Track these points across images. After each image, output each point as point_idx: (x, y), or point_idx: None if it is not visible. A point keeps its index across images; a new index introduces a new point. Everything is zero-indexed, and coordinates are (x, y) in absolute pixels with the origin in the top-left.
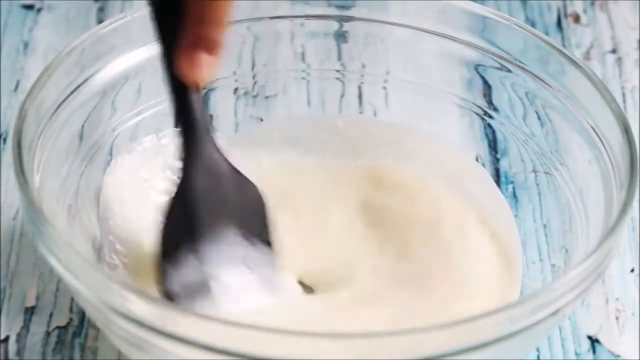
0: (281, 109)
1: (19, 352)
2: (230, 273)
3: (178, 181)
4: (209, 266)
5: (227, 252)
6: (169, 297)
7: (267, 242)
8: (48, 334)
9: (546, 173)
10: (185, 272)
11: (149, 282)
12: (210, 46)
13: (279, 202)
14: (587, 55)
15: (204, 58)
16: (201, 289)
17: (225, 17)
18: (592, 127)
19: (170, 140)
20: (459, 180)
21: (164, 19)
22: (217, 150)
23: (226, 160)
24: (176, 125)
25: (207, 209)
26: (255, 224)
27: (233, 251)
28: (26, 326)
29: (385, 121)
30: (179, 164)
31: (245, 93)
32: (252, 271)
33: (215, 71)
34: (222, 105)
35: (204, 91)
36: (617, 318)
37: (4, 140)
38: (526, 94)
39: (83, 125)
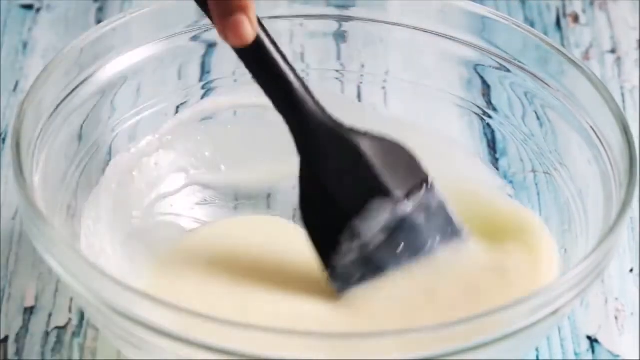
0: None
1: (18, 352)
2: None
3: (301, 163)
4: (368, 241)
5: (381, 221)
6: (338, 281)
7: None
8: (47, 334)
9: (545, 173)
10: (349, 258)
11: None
12: (239, 6)
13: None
14: (586, 55)
15: (238, 19)
16: (365, 266)
17: None
18: (591, 127)
19: (170, 141)
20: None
21: None
22: (320, 106)
23: (333, 123)
24: (272, 101)
25: (343, 181)
26: (404, 176)
27: (388, 217)
28: (25, 326)
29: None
30: (294, 142)
31: None
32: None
33: (253, 30)
34: None
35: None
36: (616, 318)
37: (3, 140)
38: (525, 93)
39: (82, 125)
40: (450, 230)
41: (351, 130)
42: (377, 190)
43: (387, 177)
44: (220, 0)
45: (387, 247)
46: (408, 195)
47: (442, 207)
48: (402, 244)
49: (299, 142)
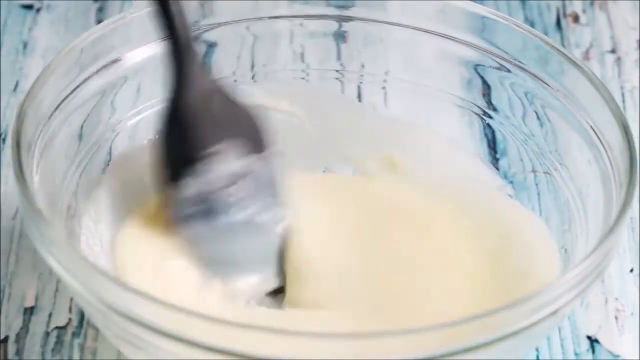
0: None
1: (18, 353)
2: (234, 190)
3: (168, 101)
4: (211, 188)
5: (227, 171)
6: (175, 221)
7: (266, 155)
8: (47, 334)
9: (545, 173)
10: (189, 198)
11: (143, 282)
12: None
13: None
14: (586, 55)
15: None
16: (207, 210)
17: None
18: (591, 127)
19: None
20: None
21: None
22: (201, 63)
23: (212, 75)
24: (163, 38)
25: (203, 127)
26: (253, 140)
27: (234, 169)
28: (25, 326)
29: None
30: (168, 81)
31: None
32: (256, 183)
33: None
34: None
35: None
36: (616, 318)
37: (3, 140)
38: (525, 93)
39: (82, 125)
40: (272, 203)
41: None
42: (224, 141)
43: (234, 133)
44: None
45: (220, 195)
46: (248, 154)
47: (272, 181)
48: (232, 196)
49: (176, 71)
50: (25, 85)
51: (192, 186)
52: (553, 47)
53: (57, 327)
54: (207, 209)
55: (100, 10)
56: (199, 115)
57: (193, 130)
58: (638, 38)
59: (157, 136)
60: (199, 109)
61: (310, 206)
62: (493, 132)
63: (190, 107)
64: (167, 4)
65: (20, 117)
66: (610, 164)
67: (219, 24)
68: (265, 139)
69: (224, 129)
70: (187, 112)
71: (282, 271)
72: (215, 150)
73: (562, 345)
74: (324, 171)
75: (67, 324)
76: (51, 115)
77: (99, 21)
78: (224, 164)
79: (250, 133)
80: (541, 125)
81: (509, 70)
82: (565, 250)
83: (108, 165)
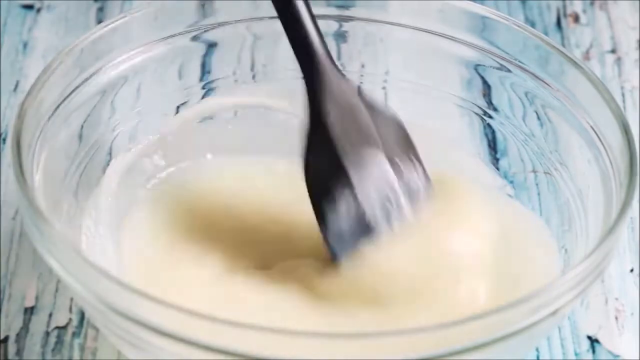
0: None
1: (18, 353)
2: (385, 198)
3: (309, 115)
4: (365, 197)
5: (379, 179)
6: (335, 240)
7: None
8: (47, 334)
9: (546, 173)
10: (345, 209)
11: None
12: None
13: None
14: (586, 55)
15: None
16: (362, 223)
17: None
18: (591, 127)
19: (170, 141)
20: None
21: None
22: (338, 69)
23: (350, 81)
24: (295, 51)
25: (347, 137)
26: (398, 146)
27: (384, 176)
28: (25, 326)
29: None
30: (305, 95)
31: None
32: (406, 190)
33: None
34: None
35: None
36: (616, 318)
37: (4, 140)
38: (526, 94)
39: (82, 125)
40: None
41: (362, 92)
42: (376, 149)
43: (387, 142)
44: None
45: (378, 208)
46: (402, 162)
47: (426, 190)
48: (394, 206)
49: (311, 91)
50: (26, 85)
51: (349, 198)
52: (553, 47)
53: (57, 327)
54: (363, 220)
55: (100, 10)
56: (343, 128)
57: (340, 143)
58: (638, 38)
59: (306, 155)
60: (342, 121)
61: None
62: (493, 132)
63: (335, 123)
64: (298, 17)
65: (21, 117)
66: (611, 164)
67: (219, 24)
68: (408, 141)
69: (368, 136)
70: (332, 128)
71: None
72: (363, 158)
73: (562, 345)
74: None
75: (67, 324)
76: (51, 115)
77: (99, 21)
78: (375, 170)
79: (393, 137)
80: (541, 125)
81: (509, 70)
82: (565, 250)
83: (108, 165)
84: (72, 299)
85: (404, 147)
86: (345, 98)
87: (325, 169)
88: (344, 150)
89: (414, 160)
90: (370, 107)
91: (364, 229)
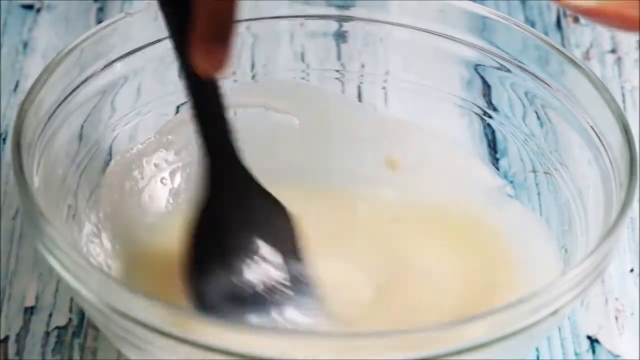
0: None
1: (19, 353)
2: (264, 290)
3: (202, 192)
4: (241, 282)
5: (259, 270)
6: (200, 307)
7: (298, 262)
8: (47, 334)
9: (546, 173)
10: (218, 288)
11: (143, 282)
12: (223, 34)
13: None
14: (586, 55)
15: (218, 47)
16: (234, 303)
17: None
18: (591, 127)
19: (170, 141)
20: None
21: (173, 10)
22: (241, 160)
23: (251, 174)
24: (198, 131)
25: (236, 225)
26: (286, 244)
27: (265, 269)
28: (25, 326)
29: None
30: (201, 173)
31: None
32: (285, 289)
33: (229, 62)
34: None
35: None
36: (616, 318)
37: (4, 140)
38: (526, 94)
39: (82, 126)
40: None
41: (263, 190)
42: (258, 239)
43: (267, 230)
44: (213, 20)
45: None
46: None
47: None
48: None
49: (214, 181)
50: (26, 85)
51: (223, 279)
52: (553, 47)
53: (57, 327)
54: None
55: (100, 10)
56: (234, 214)
57: (228, 228)
58: (638, 38)
59: (190, 231)
60: (234, 208)
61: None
62: (493, 132)
63: (226, 208)
64: (202, 99)
65: (21, 117)
66: (611, 164)
67: None
68: (297, 238)
69: (257, 227)
70: (222, 212)
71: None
72: (249, 249)
73: (562, 345)
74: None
75: (68, 323)
76: (51, 115)
77: (99, 21)
78: (258, 263)
79: (282, 231)
80: (541, 125)
81: (509, 70)
82: (565, 250)
83: (108, 165)
84: (72, 299)
85: (290, 243)
86: (242, 183)
87: (209, 249)
88: (231, 236)
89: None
90: (263, 197)
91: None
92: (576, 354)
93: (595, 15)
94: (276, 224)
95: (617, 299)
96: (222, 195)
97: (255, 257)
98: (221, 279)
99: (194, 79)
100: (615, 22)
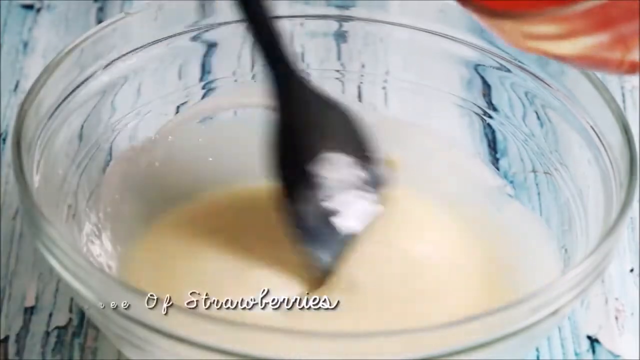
0: None
1: (19, 352)
2: (348, 198)
3: (275, 113)
4: (327, 195)
5: (340, 178)
6: (298, 233)
7: (370, 160)
8: (47, 334)
9: (546, 173)
10: (308, 207)
11: (143, 282)
12: None
13: None
14: None
15: None
16: (325, 218)
17: None
18: (591, 127)
19: (170, 141)
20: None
21: None
22: (301, 76)
23: (313, 84)
24: (260, 52)
25: (311, 137)
26: (357, 145)
27: (346, 175)
28: (25, 326)
29: (386, 118)
30: (270, 97)
31: None
32: (366, 191)
33: None
34: None
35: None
36: (616, 318)
37: (4, 140)
38: (526, 93)
39: (82, 125)
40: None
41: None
42: (339, 148)
43: (338, 138)
44: None
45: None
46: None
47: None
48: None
49: (280, 90)
50: (26, 85)
51: (308, 196)
52: None
53: (57, 327)
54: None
55: (101, 10)
56: (306, 126)
57: (302, 140)
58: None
59: (269, 148)
60: (305, 120)
61: None
62: (493, 132)
63: (297, 120)
64: (262, 24)
65: (21, 117)
66: (611, 164)
67: (219, 24)
68: (367, 141)
69: (329, 136)
70: (294, 124)
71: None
72: (323, 157)
73: (562, 345)
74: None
75: (68, 323)
76: (51, 115)
77: (99, 21)
78: (333, 170)
79: (352, 136)
80: (541, 125)
81: (509, 70)
82: (566, 250)
83: (108, 165)
84: (72, 299)
85: (358, 141)
86: (306, 99)
87: (292, 167)
88: (309, 153)
89: (368, 152)
90: (327, 103)
91: (331, 227)
92: (576, 354)
93: (576, 60)
94: (342, 126)
95: (617, 299)
96: (291, 102)
97: (331, 163)
98: (307, 196)
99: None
100: (599, 65)
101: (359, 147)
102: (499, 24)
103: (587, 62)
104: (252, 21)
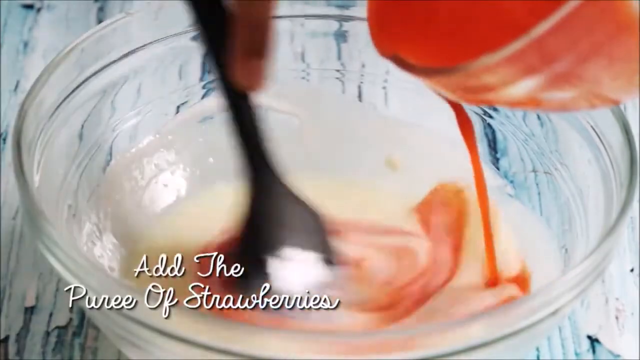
0: None
1: (19, 352)
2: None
3: (245, 200)
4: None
5: (294, 272)
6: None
7: (330, 264)
8: (48, 334)
9: (546, 173)
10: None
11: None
12: (261, 51)
13: None
14: None
15: (257, 63)
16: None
17: (270, 18)
18: (591, 126)
19: (170, 141)
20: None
21: (211, 27)
22: (278, 171)
23: (286, 183)
24: (237, 143)
25: (272, 232)
26: (318, 246)
27: (298, 271)
28: (26, 326)
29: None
30: (243, 184)
31: None
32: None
33: (268, 77)
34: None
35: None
36: (616, 318)
37: (4, 140)
38: None
39: (83, 125)
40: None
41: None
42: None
43: (302, 235)
44: (251, 36)
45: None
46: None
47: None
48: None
49: (254, 187)
50: (26, 85)
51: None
52: None
53: (57, 327)
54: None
55: (101, 10)
56: (272, 220)
57: (265, 231)
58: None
59: (236, 234)
60: (272, 213)
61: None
62: (493, 132)
63: (265, 213)
64: (241, 113)
65: (21, 117)
66: (611, 163)
67: None
68: (330, 241)
69: (293, 232)
70: (261, 217)
71: None
72: (285, 252)
73: (562, 345)
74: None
75: (68, 323)
76: (51, 115)
77: (99, 21)
78: (295, 266)
79: (316, 235)
80: (542, 125)
81: None
82: (566, 250)
83: (108, 165)
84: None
85: (322, 246)
86: (279, 193)
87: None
88: (270, 245)
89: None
90: (298, 204)
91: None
92: (576, 354)
93: (529, 105)
94: (309, 225)
95: (617, 298)
96: (260, 198)
97: (291, 258)
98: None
99: (232, 94)
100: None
101: (321, 248)
102: (437, 81)
103: (545, 106)
104: (235, 120)
